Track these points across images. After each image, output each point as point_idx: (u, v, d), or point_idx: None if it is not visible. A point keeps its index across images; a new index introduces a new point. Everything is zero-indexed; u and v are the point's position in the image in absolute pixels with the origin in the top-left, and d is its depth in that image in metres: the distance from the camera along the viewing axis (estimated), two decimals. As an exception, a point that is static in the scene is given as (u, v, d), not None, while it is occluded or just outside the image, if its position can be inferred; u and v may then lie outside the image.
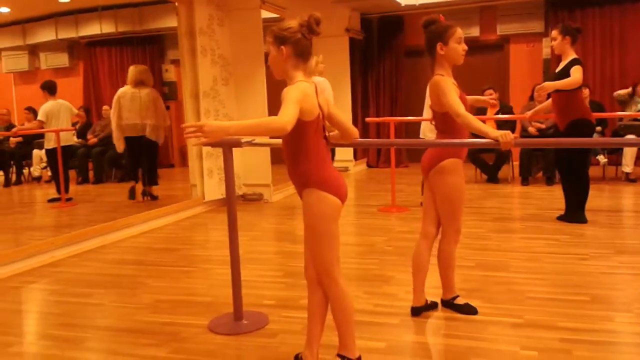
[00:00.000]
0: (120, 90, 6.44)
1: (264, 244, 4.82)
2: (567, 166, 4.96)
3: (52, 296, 3.65)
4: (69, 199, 6.80)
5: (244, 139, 2.89)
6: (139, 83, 6.37)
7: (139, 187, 6.61)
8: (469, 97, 3.09)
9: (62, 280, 3.93)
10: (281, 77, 2.26)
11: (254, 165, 6.63)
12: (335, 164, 9.21)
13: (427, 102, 6.19)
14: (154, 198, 6.62)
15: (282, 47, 2.18)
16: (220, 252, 4.43)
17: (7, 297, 3.63)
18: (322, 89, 6.34)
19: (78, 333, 2.97)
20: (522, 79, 8.82)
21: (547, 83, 4.66)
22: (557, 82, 4.60)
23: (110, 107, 6.84)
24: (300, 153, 2.20)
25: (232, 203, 2.95)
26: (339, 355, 2.35)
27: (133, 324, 3.05)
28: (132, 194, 6.58)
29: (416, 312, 3.00)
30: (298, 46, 2.18)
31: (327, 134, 2.28)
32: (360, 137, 2.60)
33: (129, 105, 6.32)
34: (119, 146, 6.50)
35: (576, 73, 4.53)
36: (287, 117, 2.01)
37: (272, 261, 4.31)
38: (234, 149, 2.98)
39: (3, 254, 4.15)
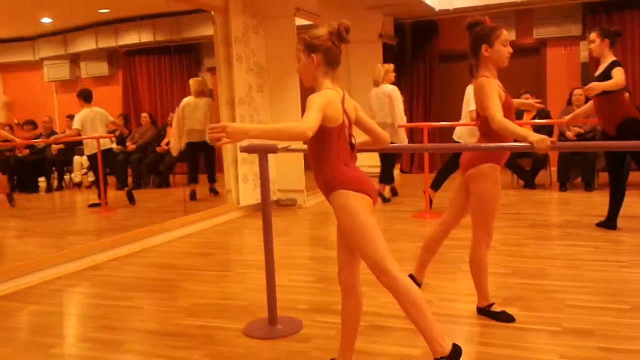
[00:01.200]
0: (184, 101, 7.12)
1: (298, 249, 4.84)
2: (617, 171, 4.84)
3: (92, 299, 3.75)
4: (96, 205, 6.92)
5: (280, 145, 2.92)
6: (199, 93, 7.09)
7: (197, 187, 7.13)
8: (516, 101, 3.06)
9: (102, 284, 4.03)
10: (310, 84, 2.28)
11: (287, 171, 6.68)
12: (368, 169, 9.21)
13: (468, 106, 6.17)
14: (216, 193, 7.23)
15: (313, 55, 2.21)
16: (255, 257, 4.48)
17: (50, 299, 3.74)
18: (394, 97, 6.57)
19: (117, 335, 3.04)
20: (560, 83, 8.66)
21: (594, 83, 4.55)
22: (605, 83, 4.49)
23: (149, 115, 7.21)
24: (324, 159, 2.22)
25: (267, 208, 2.98)
26: None
27: (170, 327, 3.11)
28: (193, 195, 7.03)
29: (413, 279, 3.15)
30: (328, 54, 2.21)
31: (353, 141, 2.28)
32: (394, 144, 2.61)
33: (191, 114, 7.01)
34: (175, 150, 7.09)
35: (619, 74, 4.44)
36: (308, 123, 2.03)
37: (306, 266, 4.34)
38: (268, 155, 3.02)
39: (46, 258, 4.27)
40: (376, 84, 6.78)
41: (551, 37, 8.77)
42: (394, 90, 6.61)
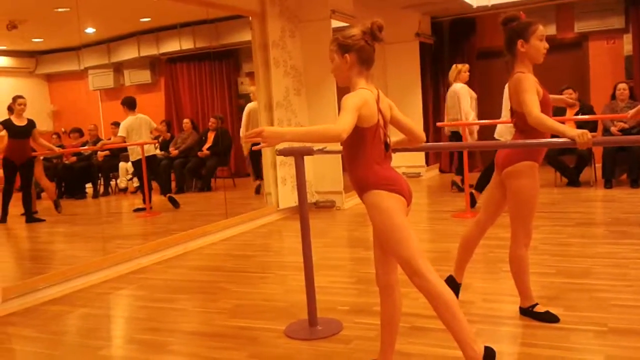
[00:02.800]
0: (250, 107, 7.68)
1: (336, 251, 4.86)
2: None
3: (138, 302, 3.85)
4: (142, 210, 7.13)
5: (316, 147, 2.95)
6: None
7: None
8: (551, 97, 3.00)
9: (148, 286, 4.13)
10: (344, 84, 2.29)
11: (325, 173, 6.71)
12: (406, 170, 9.18)
13: (508, 103, 6.09)
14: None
15: (347, 55, 2.21)
16: (294, 259, 4.52)
17: (97, 303, 3.86)
18: (461, 95, 6.78)
19: (162, 337, 3.11)
20: (603, 77, 8.43)
21: None
22: None
23: (190, 120, 7.66)
24: (358, 159, 2.22)
25: (304, 210, 3.01)
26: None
27: (213, 328, 3.18)
28: (258, 190, 7.67)
29: (450, 281, 3.14)
30: (362, 53, 2.21)
31: (388, 141, 2.27)
32: (432, 142, 2.60)
33: (256, 118, 7.39)
34: (246, 151, 7.98)
35: None
36: (343, 125, 2.03)
37: (345, 268, 4.35)
38: (306, 157, 3.05)
39: (93, 262, 4.40)
40: (450, 83, 7.08)
41: (593, 30, 8.54)
42: (462, 89, 6.89)
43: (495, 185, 2.97)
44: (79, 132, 8.70)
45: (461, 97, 6.84)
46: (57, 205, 6.90)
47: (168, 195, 7.33)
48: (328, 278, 3.93)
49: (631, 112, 5.26)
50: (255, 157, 7.75)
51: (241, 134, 7.94)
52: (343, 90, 2.31)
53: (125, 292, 4.08)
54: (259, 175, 7.72)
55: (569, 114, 7.25)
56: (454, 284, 3.17)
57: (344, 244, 5.20)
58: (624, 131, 6.84)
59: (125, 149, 7.78)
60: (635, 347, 2.53)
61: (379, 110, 2.21)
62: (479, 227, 3.12)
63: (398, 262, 2.23)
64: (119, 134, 7.23)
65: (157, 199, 7.33)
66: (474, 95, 7.14)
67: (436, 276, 2.18)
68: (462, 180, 7.17)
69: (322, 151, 3.00)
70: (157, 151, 8.14)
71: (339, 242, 5.23)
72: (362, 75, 2.23)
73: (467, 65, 7.10)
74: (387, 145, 2.27)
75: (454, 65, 7.15)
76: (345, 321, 3.09)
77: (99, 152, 8.84)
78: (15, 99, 6.46)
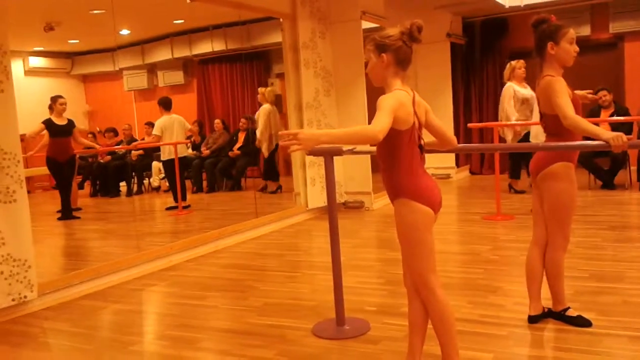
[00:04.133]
0: (267, 109, 8.07)
1: (365, 251, 4.87)
2: None
3: (169, 298, 3.92)
4: (186, 207, 7.26)
5: (345, 147, 2.96)
6: (274, 101, 8.19)
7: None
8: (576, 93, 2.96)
9: (179, 283, 4.20)
10: (380, 85, 2.28)
11: (355, 173, 6.71)
12: (436, 171, 9.13)
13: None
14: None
15: (383, 54, 2.20)
16: (323, 259, 4.54)
17: (130, 299, 3.93)
18: (503, 94, 6.56)
19: (193, 333, 3.16)
20: (639, 78, 8.25)
21: None
22: None
23: (222, 121, 8.69)
24: (393, 162, 2.21)
25: (333, 210, 3.03)
26: None
27: (243, 326, 3.21)
28: (264, 189, 8.16)
29: (533, 320, 2.94)
30: (399, 54, 2.20)
31: (422, 143, 2.27)
32: (463, 143, 2.60)
33: (274, 119, 8.09)
34: (267, 152, 8.14)
35: None
36: (379, 126, 2.02)
37: (374, 268, 4.35)
38: (335, 157, 3.06)
39: (126, 259, 4.49)
40: (504, 82, 6.78)
41: (629, 31, 8.35)
42: (506, 89, 6.61)
43: (536, 197, 2.91)
44: (114, 131, 8.87)
45: (502, 97, 6.61)
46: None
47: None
48: (356, 278, 3.94)
49: None
50: (272, 158, 8.19)
51: (258, 136, 8.16)
52: (373, 92, 2.31)
53: (157, 288, 4.15)
54: (270, 176, 8.23)
55: (604, 115, 7.12)
56: (544, 314, 2.98)
57: (373, 244, 5.20)
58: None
59: (158, 149, 7.91)
60: (670, 354, 2.48)
61: (415, 113, 2.20)
62: (537, 245, 2.94)
63: (411, 272, 2.29)
64: (154, 133, 7.36)
65: (189, 197, 7.43)
66: (527, 95, 6.53)
67: (443, 292, 2.27)
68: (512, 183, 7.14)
69: (351, 151, 3.01)
70: (189, 151, 8.26)
71: (368, 242, 5.23)
72: (398, 76, 2.22)
73: (521, 62, 6.67)
74: (421, 148, 2.26)
75: (508, 63, 6.77)
76: (373, 321, 3.10)
77: (132, 152, 9.01)
78: (55, 98, 6.63)
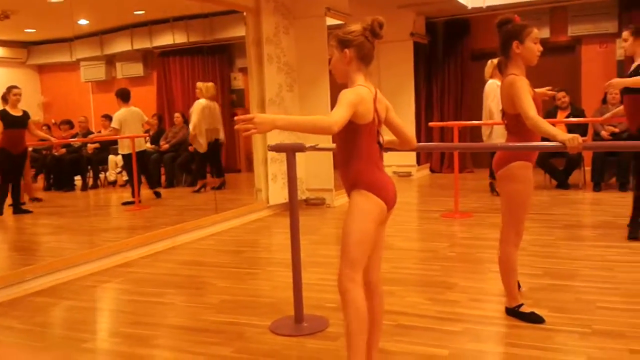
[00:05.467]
0: (202, 104, 7.78)
1: (326, 248, 4.86)
2: None
3: (124, 295, 3.84)
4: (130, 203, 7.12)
5: (308, 144, 2.95)
6: (213, 97, 7.93)
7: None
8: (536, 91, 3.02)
9: (134, 280, 4.11)
10: (342, 81, 2.28)
11: (317, 170, 6.70)
12: (398, 169, 9.20)
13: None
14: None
15: (346, 50, 2.20)
16: (283, 255, 4.51)
17: (83, 295, 3.83)
18: (485, 93, 6.47)
19: (148, 331, 3.10)
20: (595, 81, 8.47)
21: (616, 79, 4.47)
22: (627, 80, 4.40)
23: (182, 115, 8.08)
24: (352, 155, 2.22)
25: (294, 207, 3.01)
26: None
27: (200, 323, 3.16)
28: (200, 189, 7.87)
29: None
30: (361, 49, 2.20)
31: (381, 139, 2.28)
32: (424, 142, 2.61)
33: (210, 114, 7.88)
34: (204, 147, 7.84)
35: None
36: (336, 117, 2.03)
37: (334, 265, 4.31)
38: (297, 154, 3.04)
39: (80, 255, 4.38)
40: (485, 79, 6.63)
41: (586, 34, 8.59)
42: (489, 86, 6.48)
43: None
44: (69, 124, 8.64)
45: (487, 94, 6.49)
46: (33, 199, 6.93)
47: (154, 190, 7.37)
48: (316, 275, 3.93)
49: (606, 115, 5.33)
50: (211, 154, 7.97)
51: (191, 131, 7.90)
52: (336, 88, 2.30)
53: (111, 285, 4.06)
54: (204, 175, 8.02)
55: (560, 116, 7.30)
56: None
57: (333, 241, 5.20)
58: (614, 135, 6.89)
59: (115, 142, 7.75)
60: (618, 349, 2.55)
61: (375, 109, 2.21)
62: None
63: (341, 260, 2.21)
64: (112, 126, 7.20)
65: (146, 192, 7.30)
66: None
67: (361, 288, 2.20)
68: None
69: (313, 148, 3.00)
70: (147, 145, 8.11)
71: (328, 239, 5.23)
72: (360, 72, 2.23)
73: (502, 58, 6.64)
74: (380, 145, 2.27)
75: (489, 61, 6.61)
76: (332, 318, 3.09)
77: (88, 145, 8.80)
78: (10, 89, 6.41)
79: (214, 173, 8.11)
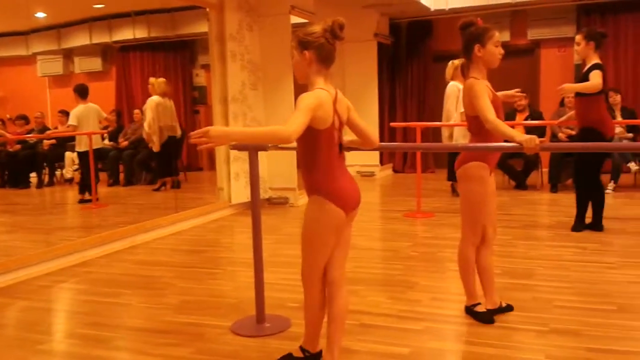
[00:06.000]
0: (155, 100, 7.58)
1: (288, 247, 4.84)
2: (583, 174, 4.86)
3: (81, 295, 3.74)
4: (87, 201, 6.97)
5: (271, 144, 2.92)
6: (166, 93, 7.73)
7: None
8: (500, 93, 3.07)
9: (92, 280, 4.01)
10: (303, 82, 2.27)
11: (280, 170, 6.67)
12: (361, 169, 9.23)
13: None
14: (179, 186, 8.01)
15: (306, 51, 2.19)
16: (245, 255, 4.47)
17: (38, 296, 3.72)
18: (446, 94, 6.50)
19: (105, 332, 3.03)
20: (553, 84, 8.59)
21: (567, 85, 4.59)
22: (576, 85, 4.54)
23: (141, 111, 7.79)
24: (312, 160, 2.21)
25: (256, 206, 2.98)
26: (300, 347, 2.51)
27: (159, 324, 3.11)
28: (160, 188, 7.73)
29: (490, 315, 3.02)
30: (321, 51, 2.19)
31: (342, 142, 2.27)
32: (387, 142, 2.64)
33: (163, 111, 7.67)
34: (157, 146, 7.61)
35: (595, 77, 4.43)
36: (293, 127, 2.01)
37: (296, 264, 4.28)
38: (260, 153, 3.01)
39: (34, 254, 4.25)
40: (447, 80, 6.64)
41: (545, 38, 8.80)
42: (449, 88, 6.51)
43: None
44: (25, 119, 8.39)
45: (448, 96, 6.53)
46: None
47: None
48: (278, 275, 3.91)
49: (563, 118, 5.48)
50: (166, 153, 7.80)
51: (146, 128, 7.71)
52: (301, 87, 2.29)
53: (68, 285, 3.96)
54: (166, 172, 7.86)
55: (519, 118, 7.45)
56: (500, 309, 3.05)
57: (296, 240, 5.14)
58: (570, 137, 7.07)
59: (71, 138, 7.56)
60: (573, 347, 2.61)
61: (335, 112, 2.20)
62: (475, 244, 3.03)
63: (303, 265, 2.36)
64: (70, 123, 7.02)
65: (105, 190, 7.15)
66: None
67: (318, 286, 2.36)
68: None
69: (277, 147, 2.99)
70: (105, 142, 7.95)
71: (291, 238, 5.20)
72: (320, 74, 2.21)
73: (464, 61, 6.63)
74: (341, 147, 2.27)
75: (450, 62, 6.63)
76: (295, 318, 3.07)
77: (44, 141, 8.56)
78: None
79: (170, 171, 7.96)
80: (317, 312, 2.38)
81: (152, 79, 7.90)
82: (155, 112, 7.59)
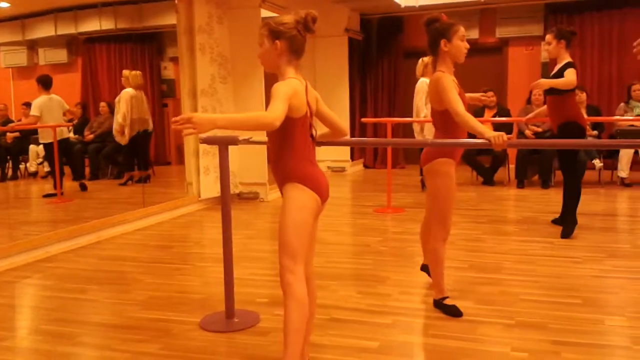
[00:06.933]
0: (129, 93, 7.54)
1: (258, 243, 4.82)
2: (570, 170, 4.93)
3: (45, 291, 3.65)
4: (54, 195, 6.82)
5: (241, 137, 2.90)
6: (140, 86, 7.67)
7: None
8: (467, 95, 3.11)
9: (56, 276, 3.93)
10: (271, 71, 2.26)
11: (250, 164, 6.62)
12: (332, 164, 9.24)
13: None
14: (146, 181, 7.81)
15: (277, 41, 2.18)
16: (214, 250, 4.43)
17: (1, 291, 3.63)
18: (417, 90, 6.57)
19: (71, 328, 2.97)
20: (520, 82, 8.82)
21: (542, 80, 4.67)
22: (553, 80, 4.60)
23: (107, 104, 7.79)
24: (285, 149, 2.20)
25: (226, 201, 2.95)
26: None
27: (126, 320, 3.06)
28: (127, 182, 7.58)
29: (423, 268, 3.31)
30: (293, 42, 2.18)
31: (313, 132, 2.28)
32: (358, 137, 2.64)
33: (137, 104, 7.61)
34: (126, 139, 7.51)
35: (570, 75, 4.53)
36: (276, 113, 2.01)
37: (266, 259, 4.31)
38: (230, 147, 2.98)
39: (-3, 249, 4.15)
40: (417, 77, 6.73)
41: (513, 36, 8.92)
42: (419, 84, 6.61)
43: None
44: (-13, 111, 8.17)
45: (417, 92, 6.65)
46: None
47: (80, 181, 7.08)
48: (248, 270, 3.88)
49: (530, 115, 5.58)
50: (139, 146, 7.72)
51: (119, 120, 7.63)
52: (270, 80, 2.27)
53: (32, 281, 3.86)
54: (132, 167, 7.77)
55: (487, 115, 7.55)
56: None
57: (266, 235, 5.16)
58: (537, 134, 7.20)
59: (36, 131, 7.39)
60: (539, 340, 2.66)
61: (307, 102, 2.20)
62: (426, 226, 3.22)
63: (281, 254, 2.16)
64: (32, 114, 6.86)
65: (70, 184, 7.00)
66: None
67: (303, 281, 2.15)
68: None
69: (247, 141, 2.96)
70: (71, 134, 7.80)
71: (261, 233, 5.18)
72: (291, 65, 2.21)
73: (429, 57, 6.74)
74: (313, 137, 2.27)
75: (420, 59, 6.70)
76: (264, 313, 3.06)
77: (7, 134, 8.34)
78: None
79: (140, 165, 7.83)
80: (306, 307, 2.20)
81: (126, 72, 7.83)
82: (130, 104, 7.58)
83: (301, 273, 2.15)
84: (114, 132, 7.62)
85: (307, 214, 2.19)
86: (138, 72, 7.93)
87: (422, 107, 6.58)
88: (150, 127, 7.95)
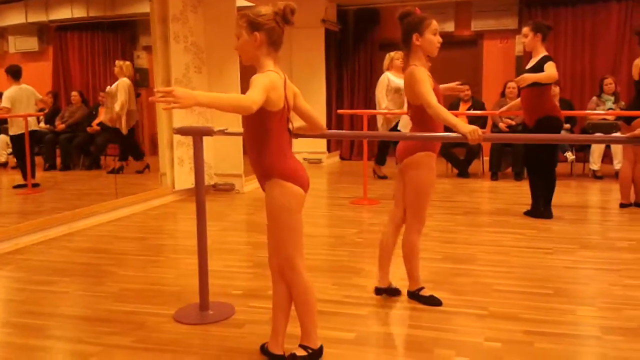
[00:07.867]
0: (127, 82, 7.74)
1: (233, 234, 4.79)
2: (535, 162, 5.03)
3: (15, 283, 3.58)
4: (35, 185, 6.70)
5: (217, 128, 2.87)
6: (132, 76, 7.82)
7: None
8: (442, 86, 3.11)
9: (27, 268, 3.85)
10: (249, 63, 2.23)
11: (226, 155, 6.57)
12: (308, 156, 9.22)
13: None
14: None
15: (256, 33, 2.16)
16: (189, 242, 4.39)
17: (-32, 284, 3.55)
18: (378, 83, 6.94)
19: (41, 321, 2.92)
20: (495, 75, 8.91)
21: (527, 74, 4.69)
22: (537, 75, 4.63)
23: (80, 93, 8.10)
24: (263, 144, 2.19)
25: (200, 192, 2.92)
26: (300, 346, 2.36)
27: (98, 313, 3.01)
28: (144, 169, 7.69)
29: (378, 292, 3.11)
30: (272, 34, 2.16)
31: (291, 126, 2.27)
32: (334, 129, 2.64)
33: (132, 95, 7.81)
34: (125, 129, 7.67)
35: (551, 68, 4.58)
36: (255, 97, 2.00)
37: (242, 252, 4.29)
38: (205, 138, 2.95)
39: (-35, 241, 4.05)
40: (383, 71, 7.09)
41: (488, 29, 8.98)
42: (381, 78, 6.98)
43: (399, 182, 3.02)
44: (-45, 100, 7.96)
45: (378, 85, 7.01)
46: None
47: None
48: (223, 262, 3.86)
49: (502, 109, 5.65)
50: (132, 136, 7.85)
51: (118, 110, 7.71)
52: (247, 72, 2.25)
53: (2, 273, 3.78)
54: (133, 156, 7.83)
55: (462, 108, 7.60)
56: (389, 289, 3.12)
57: (241, 227, 5.13)
58: (510, 127, 7.28)
59: (4, 121, 7.22)
60: (512, 330, 2.69)
61: (285, 96, 2.19)
62: (394, 223, 3.09)
63: (278, 252, 2.28)
64: (2, 105, 6.71)
65: (41, 175, 6.87)
66: (400, 84, 6.49)
67: (307, 275, 2.31)
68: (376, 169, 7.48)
69: (222, 132, 2.93)
70: (41, 125, 7.66)
71: (237, 225, 5.15)
72: (270, 57, 2.19)
73: (400, 53, 6.60)
74: (290, 131, 2.26)
75: (387, 54, 7.11)
76: (239, 305, 3.05)
77: (-24, 123, 8.14)
78: None
79: (137, 156, 7.86)
80: (313, 301, 2.32)
81: (119, 62, 7.90)
82: (129, 94, 7.68)
83: (302, 265, 2.27)
84: (109, 121, 7.68)
85: (293, 214, 2.22)
86: (130, 63, 8.09)
87: (382, 100, 6.90)
88: (137, 117, 8.11)
